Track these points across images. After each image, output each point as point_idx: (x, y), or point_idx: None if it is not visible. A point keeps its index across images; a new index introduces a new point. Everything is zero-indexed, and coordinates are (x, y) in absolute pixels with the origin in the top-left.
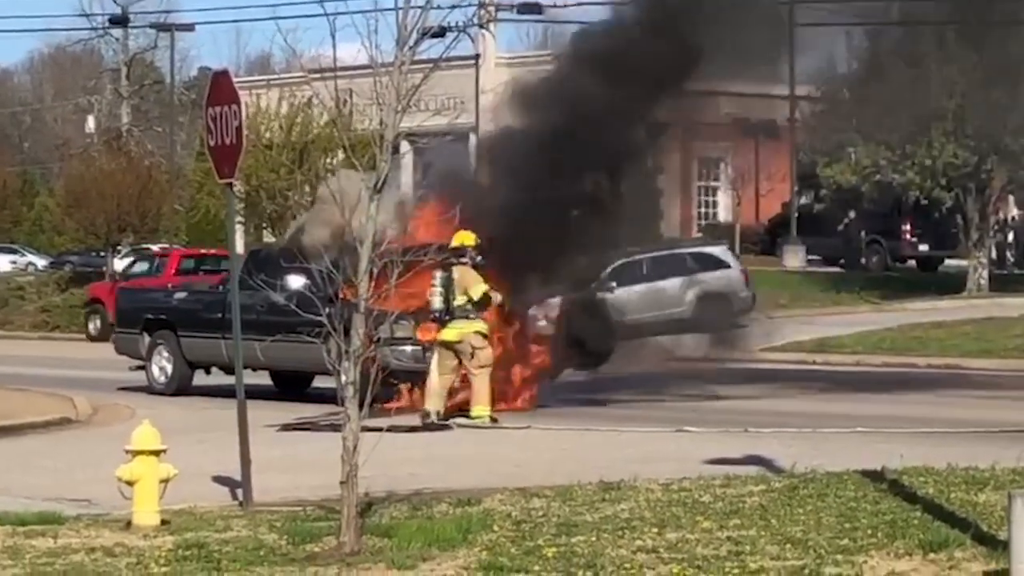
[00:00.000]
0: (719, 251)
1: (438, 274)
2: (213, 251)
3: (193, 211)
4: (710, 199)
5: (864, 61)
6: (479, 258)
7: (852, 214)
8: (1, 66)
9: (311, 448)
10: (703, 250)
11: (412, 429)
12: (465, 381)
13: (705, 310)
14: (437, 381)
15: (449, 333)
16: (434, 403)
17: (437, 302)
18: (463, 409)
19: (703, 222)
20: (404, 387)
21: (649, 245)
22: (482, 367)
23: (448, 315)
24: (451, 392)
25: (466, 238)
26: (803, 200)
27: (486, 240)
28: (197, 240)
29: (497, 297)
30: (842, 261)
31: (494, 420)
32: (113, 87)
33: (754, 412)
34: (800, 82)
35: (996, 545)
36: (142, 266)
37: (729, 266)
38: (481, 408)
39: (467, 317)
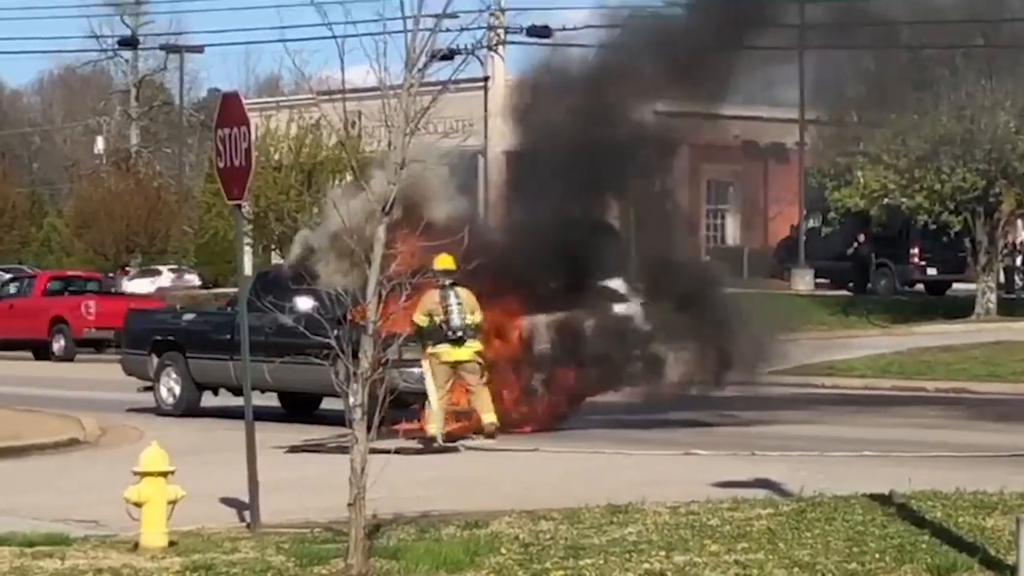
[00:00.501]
0: (617, 284)
1: (450, 294)
2: (81, 273)
3: (202, 232)
4: (718, 222)
5: (872, 85)
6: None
7: (862, 238)
8: (11, 87)
9: (319, 470)
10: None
11: (420, 451)
12: (466, 402)
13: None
14: (438, 403)
15: (465, 352)
16: (439, 426)
17: (457, 320)
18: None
19: (711, 245)
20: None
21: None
22: (485, 382)
23: (464, 334)
24: (457, 416)
25: (449, 261)
26: (811, 223)
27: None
28: (205, 261)
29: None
30: (851, 284)
31: (498, 427)
32: (122, 108)
33: (762, 435)
34: (809, 105)
35: (1004, 569)
36: (15, 286)
37: (627, 299)
38: (492, 415)
39: (475, 337)
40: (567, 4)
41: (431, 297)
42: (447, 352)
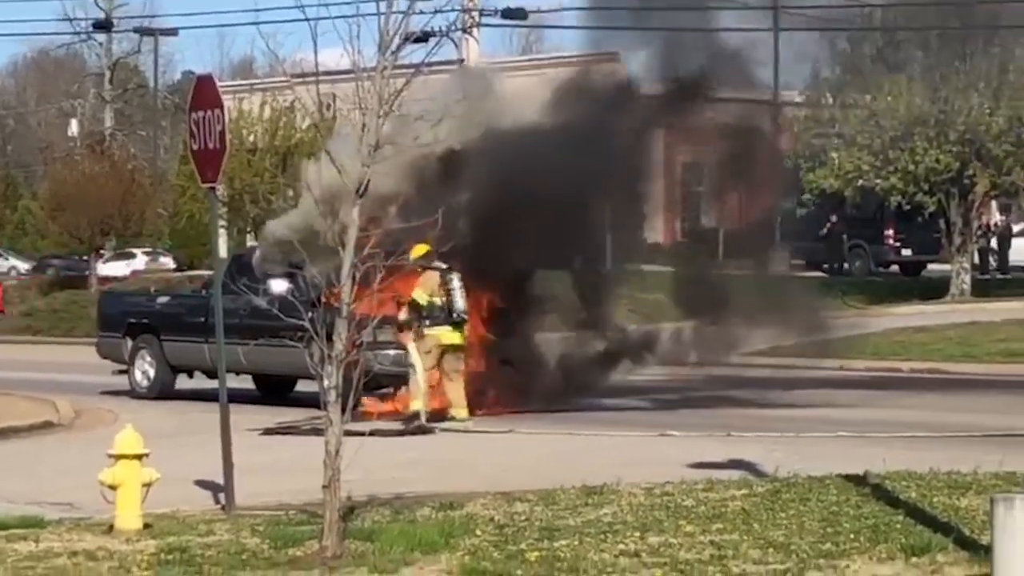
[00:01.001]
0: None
1: (452, 277)
2: None
3: (176, 215)
4: (694, 204)
5: (847, 67)
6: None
7: (834, 218)
8: None
9: (293, 452)
10: None
11: (396, 433)
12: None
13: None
14: (424, 382)
15: (457, 336)
16: (425, 402)
17: (461, 303)
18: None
19: (686, 226)
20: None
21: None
22: (461, 371)
23: (459, 318)
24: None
25: (425, 248)
26: (786, 205)
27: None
28: (180, 244)
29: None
30: (825, 266)
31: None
32: (96, 91)
33: (737, 416)
34: (784, 88)
35: (978, 549)
36: None
37: None
38: (463, 410)
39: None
40: None
41: (433, 278)
42: (447, 334)
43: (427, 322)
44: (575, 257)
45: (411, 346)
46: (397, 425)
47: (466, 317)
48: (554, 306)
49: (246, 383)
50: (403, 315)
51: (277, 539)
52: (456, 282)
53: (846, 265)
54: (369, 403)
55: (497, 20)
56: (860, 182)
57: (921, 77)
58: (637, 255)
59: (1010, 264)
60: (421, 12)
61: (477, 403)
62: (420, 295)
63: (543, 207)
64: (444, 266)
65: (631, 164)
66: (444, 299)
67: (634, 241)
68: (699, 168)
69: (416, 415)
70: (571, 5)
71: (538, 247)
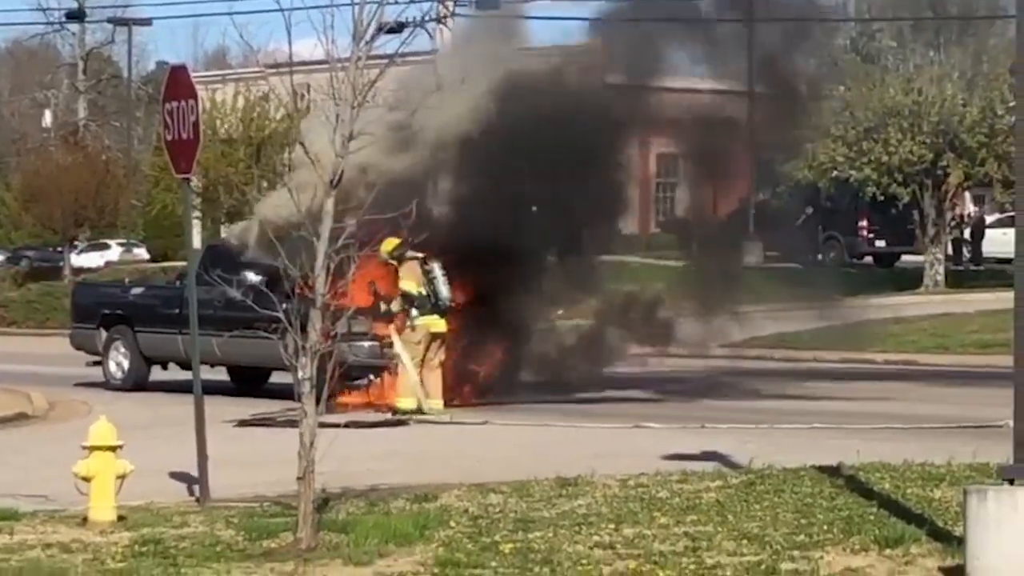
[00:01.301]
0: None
1: (434, 266)
2: None
3: (149, 206)
4: (668, 195)
5: (821, 58)
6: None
7: (809, 210)
8: None
9: (268, 444)
10: None
11: (371, 425)
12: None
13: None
14: (415, 374)
15: (442, 324)
16: (416, 400)
17: (446, 291)
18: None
19: (661, 217)
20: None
21: None
22: (441, 361)
23: (444, 305)
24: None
25: (395, 242)
26: (760, 196)
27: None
28: (154, 235)
29: None
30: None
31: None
32: (70, 82)
33: (712, 408)
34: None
35: (952, 541)
36: None
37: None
38: (439, 401)
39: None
40: None
41: (416, 268)
42: (435, 322)
43: (416, 312)
44: (549, 248)
45: (396, 338)
46: (375, 417)
47: (451, 304)
48: (528, 296)
49: (221, 375)
50: (395, 306)
51: (252, 531)
52: (438, 271)
53: (820, 256)
54: (347, 394)
55: (471, 11)
56: (834, 173)
57: (895, 68)
58: (612, 246)
59: (983, 255)
60: (396, 2)
61: (454, 394)
62: (410, 285)
63: (518, 197)
64: (420, 255)
65: (605, 154)
66: (428, 288)
67: (609, 232)
68: (673, 159)
69: (406, 412)
70: None
71: (513, 236)
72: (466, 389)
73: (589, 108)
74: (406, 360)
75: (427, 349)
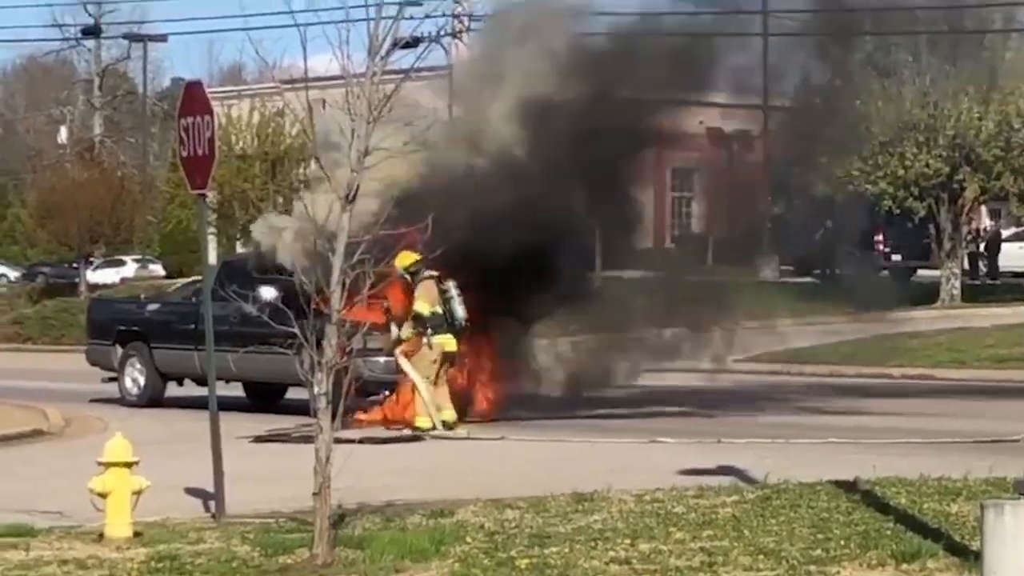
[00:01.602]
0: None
1: (449, 285)
2: None
3: (165, 222)
4: (684, 210)
5: (837, 72)
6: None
7: (829, 224)
8: None
9: (284, 460)
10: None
11: (386, 440)
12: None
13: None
14: (428, 393)
15: (454, 344)
16: (431, 419)
17: (461, 311)
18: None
19: (676, 232)
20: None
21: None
22: (451, 378)
23: (460, 325)
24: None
25: (412, 256)
26: (776, 210)
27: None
28: (170, 251)
29: None
30: (817, 271)
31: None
32: (85, 98)
33: (728, 423)
34: (773, 92)
35: (968, 555)
36: None
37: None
38: (452, 410)
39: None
40: None
41: (431, 288)
42: (449, 342)
43: (430, 331)
44: (562, 263)
45: (403, 361)
46: (390, 432)
47: (466, 324)
48: (544, 313)
49: (236, 391)
50: (407, 330)
51: (267, 547)
52: (454, 290)
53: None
54: (360, 412)
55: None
56: (850, 187)
57: (911, 82)
58: (627, 261)
59: (1000, 269)
60: (411, 17)
61: (470, 409)
62: (423, 307)
63: (530, 216)
64: (434, 274)
65: (620, 169)
66: (443, 307)
67: (624, 247)
68: (689, 173)
69: (424, 430)
70: None
71: (524, 253)
72: (483, 405)
73: (613, 122)
74: (417, 379)
75: (440, 367)
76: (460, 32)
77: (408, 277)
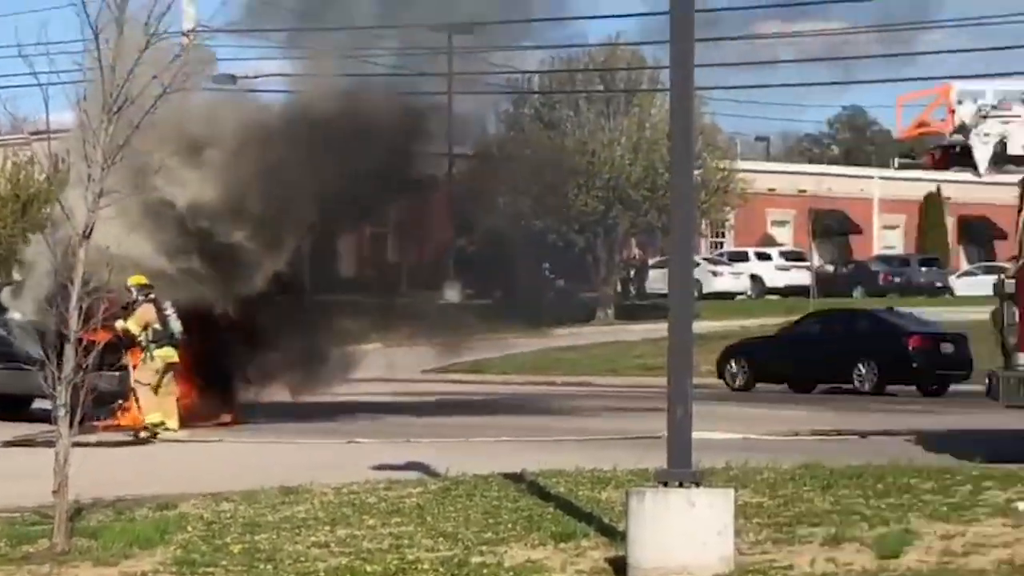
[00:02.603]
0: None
1: (165, 304)
2: None
3: None
4: (379, 246)
5: (509, 124)
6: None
7: (506, 253)
8: None
9: (31, 462)
10: None
11: (118, 443)
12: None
13: None
14: (154, 396)
15: (175, 355)
16: (158, 416)
17: (178, 326)
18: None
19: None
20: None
21: None
22: (175, 386)
23: (176, 338)
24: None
25: (142, 277)
26: (459, 242)
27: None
28: None
29: None
30: (496, 294)
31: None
32: None
33: (416, 425)
34: (456, 142)
35: (616, 535)
36: None
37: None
38: (175, 421)
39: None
40: (259, 54)
41: (147, 310)
42: (169, 354)
43: (154, 345)
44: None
45: (132, 371)
46: (124, 436)
47: (180, 337)
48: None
49: None
50: (143, 338)
51: (12, 538)
52: (170, 308)
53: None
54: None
55: (210, 86)
56: (523, 222)
57: (572, 133)
58: (334, 286)
59: (647, 292)
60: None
61: (193, 415)
62: (132, 326)
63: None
64: (153, 297)
65: (327, 202)
66: (163, 324)
67: (330, 275)
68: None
69: (156, 425)
70: (278, 72)
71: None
72: (204, 411)
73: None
74: (142, 388)
75: (163, 377)
76: (185, 91)
77: (136, 296)
